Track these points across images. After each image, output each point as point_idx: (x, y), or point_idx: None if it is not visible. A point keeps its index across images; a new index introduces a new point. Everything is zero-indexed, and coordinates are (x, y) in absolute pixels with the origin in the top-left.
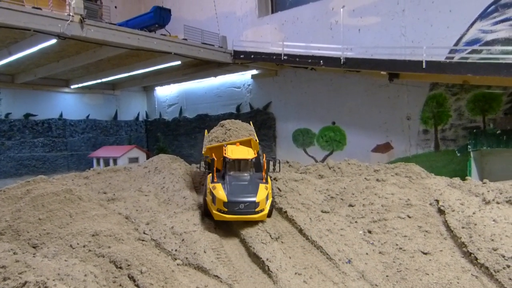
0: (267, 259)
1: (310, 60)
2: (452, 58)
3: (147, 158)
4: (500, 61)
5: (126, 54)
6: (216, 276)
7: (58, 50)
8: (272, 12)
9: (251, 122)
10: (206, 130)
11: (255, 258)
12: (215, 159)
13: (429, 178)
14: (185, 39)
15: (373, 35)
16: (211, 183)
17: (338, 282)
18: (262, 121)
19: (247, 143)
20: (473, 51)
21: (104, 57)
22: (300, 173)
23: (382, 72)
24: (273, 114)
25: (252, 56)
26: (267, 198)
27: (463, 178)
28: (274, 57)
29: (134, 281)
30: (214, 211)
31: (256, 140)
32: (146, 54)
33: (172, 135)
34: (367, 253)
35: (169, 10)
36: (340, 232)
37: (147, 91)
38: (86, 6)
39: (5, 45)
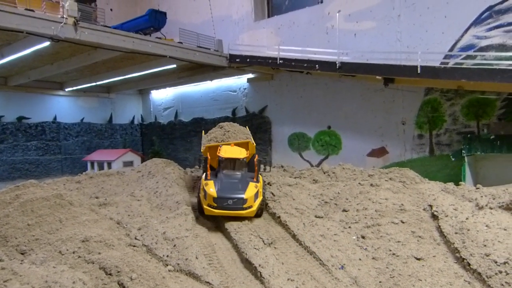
0: (259, 265)
1: (305, 64)
2: (447, 63)
3: (142, 161)
4: (494, 66)
5: (121, 57)
6: (208, 282)
7: (52, 53)
8: (268, 16)
9: (247, 127)
10: (203, 131)
11: (248, 264)
12: (209, 157)
13: (423, 183)
14: (181, 43)
15: (369, 39)
16: (205, 180)
17: None
18: (258, 125)
19: (245, 145)
20: (467, 57)
21: (99, 60)
22: (295, 177)
23: (377, 77)
24: (269, 118)
25: (248, 60)
26: (256, 196)
27: (457, 183)
28: (270, 61)
29: (124, 287)
30: (205, 206)
31: (253, 143)
32: (141, 57)
33: (168, 139)
34: (360, 259)
35: (165, 13)
36: (334, 237)
37: (142, 94)
38: (80, 8)
39: None
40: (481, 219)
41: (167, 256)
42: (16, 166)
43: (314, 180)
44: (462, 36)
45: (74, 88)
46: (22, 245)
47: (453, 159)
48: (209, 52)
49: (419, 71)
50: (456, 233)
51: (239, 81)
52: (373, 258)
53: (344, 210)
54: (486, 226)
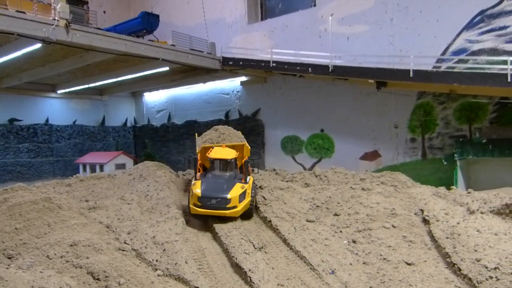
0: (249, 270)
1: (298, 68)
2: (439, 67)
3: (135, 164)
4: (486, 71)
5: (114, 59)
6: (197, 287)
7: (43, 55)
8: (262, 19)
9: (240, 132)
10: (196, 134)
11: (238, 268)
12: (199, 158)
13: (414, 187)
14: (173, 45)
15: (361, 43)
16: (194, 180)
17: None
18: (251, 128)
19: (240, 148)
20: (459, 61)
21: (91, 62)
22: (286, 181)
23: (370, 81)
24: (262, 121)
25: (241, 63)
26: (242, 197)
27: (448, 187)
28: (263, 64)
29: None
30: (191, 205)
31: (248, 146)
32: (134, 59)
33: (161, 141)
34: (351, 264)
35: (157, 16)
36: (325, 242)
37: (135, 96)
38: (72, 10)
39: None
40: (472, 224)
41: (157, 260)
42: (8, 168)
43: (306, 183)
44: (454, 40)
45: (67, 90)
46: (9, 249)
47: (445, 163)
48: (202, 55)
49: (411, 75)
50: (447, 237)
51: (232, 84)
52: (364, 263)
53: (335, 214)
54: (477, 231)
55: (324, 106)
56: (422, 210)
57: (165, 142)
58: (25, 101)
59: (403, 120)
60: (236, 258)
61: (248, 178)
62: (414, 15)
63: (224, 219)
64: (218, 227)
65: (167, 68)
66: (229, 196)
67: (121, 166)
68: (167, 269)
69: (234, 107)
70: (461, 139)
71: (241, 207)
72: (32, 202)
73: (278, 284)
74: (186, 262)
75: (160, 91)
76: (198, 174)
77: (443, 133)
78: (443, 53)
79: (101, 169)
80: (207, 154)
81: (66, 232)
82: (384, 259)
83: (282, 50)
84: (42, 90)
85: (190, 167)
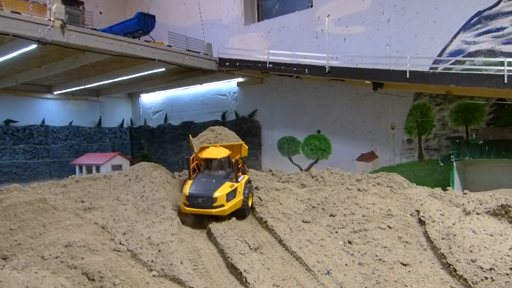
0: (244, 270)
1: (295, 69)
2: (436, 68)
3: (131, 165)
4: (483, 72)
5: (110, 60)
6: None
7: (39, 56)
8: (259, 20)
9: (234, 133)
10: (190, 135)
11: (233, 269)
12: (194, 158)
13: (410, 188)
14: (170, 46)
15: (358, 44)
16: (188, 180)
17: None
18: (248, 129)
19: (238, 147)
20: (456, 62)
21: (87, 63)
22: (282, 182)
23: (366, 82)
24: (259, 122)
25: (238, 64)
26: (231, 196)
27: (444, 188)
28: (260, 65)
29: None
30: (181, 204)
31: (246, 146)
32: (130, 60)
33: (157, 142)
34: (346, 264)
35: (154, 17)
36: (320, 242)
37: (132, 97)
38: (67, 11)
39: None
40: (468, 225)
41: (152, 261)
42: (3, 169)
43: (302, 184)
44: (451, 41)
45: (63, 91)
46: (4, 250)
47: (441, 164)
48: (199, 56)
49: (408, 76)
50: (442, 238)
51: (229, 85)
52: (359, 264)
53: (331, 215)
54: (473, 231)
55: (320, 107)
56: (418, 211)
57: (162, 143)
58: (21, 102)
59: (399, 121)
60: (232, 259)
61: (241, 177)
62: (411, 16)
63: (218, 219)
64: (213, 227)
65: (163, 69)
66: (214, 195)
67: (117, 167)
68: (162, 269)
69: (231, 108)
70: (457, 140)
71: (229, 206)
72: (27, 203)
73: (273, 285)
74: (181, 263)
75: (157, 92)
76: (193, 174)
77: (439, 134)
78: (440, 54)
79: (98, 170)
80: (199, 155)
81: (61, 232)
82: (380, 259)
83: (278, 51)
84: (38, 91)
85: (184, 168)
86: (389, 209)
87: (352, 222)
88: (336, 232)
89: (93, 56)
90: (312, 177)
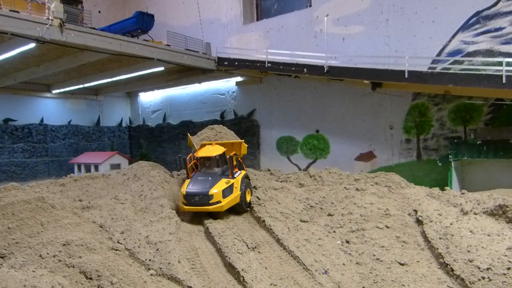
0: (242, 270)
1: (293, 68)
2: (435, 68)
3: (130, 164)
4: (481, 72)
5: (108, 59)
6: (190, 287)
7: (38, 54)
8: (257, 20)
9: (232, 132)
10: (188, 134)
11: (231, 268)
12: (187, 158)
13: (408, 188)
14: (168, 45)
15: (357, 44)
16: (187, 179)
17: None
18: (246, 128)
19: (237, 145)
20: (455, 62)
21: (86, 62)
22: (281, 181)
23: (365, 81)
24: (257, 122)
25: (236, 63)
26: (227, 192)
27: (442, 188)
28: (258, 64)
29: None
30: (180, 203)
31: (245, 144)
32: (129, 59)
33: (156, 142)
34: (344, 264)
35: (152, 16)
36: (318, 242)
37: (130, 96)
38: (66, 10)
39: None
40: (466, 225)
41: (150, 260)
42: (2, 168)
43: (300, 184)
44: (449, 41)
45: (62, 90)
46: (2, 248)
47: (440, 164)
48: (197, 55)
49: (406, 76)
50: (440, 238)
51: (228, 84)
52: (357, 263)
53: (329, 215)
54: (470, 231)
55: (319, 106)
56: (415, 211)
57: (161, 142)
58: (20, 101)
59: (398, 121)
60: (229, 258)
61: (238, 172)
62: (410, 16)
63: (215, 216)
64: (211, 226)
65: (162, 68)
66: (211, 192)
67: (116, 166)
68: (160, 268)
69: (230, 108)
70: (455, 140)
71: (226, 201)
72: (25, 202)
73: (271, 284)
74: (179, 262)
75: (156, 91)
76: (192, 173)
77: (438, 134)
78: (439, 54)
79: (96, 169)
80: (195, 154)
81: (59, 231)
82: (377, 259)
83: (277, 50)
84: (37, 90)
85: (182, 168)
86: (387, 209)
87: (350, 222)
88: (334, 231)
89: (92, 55)
90: (310, 177)
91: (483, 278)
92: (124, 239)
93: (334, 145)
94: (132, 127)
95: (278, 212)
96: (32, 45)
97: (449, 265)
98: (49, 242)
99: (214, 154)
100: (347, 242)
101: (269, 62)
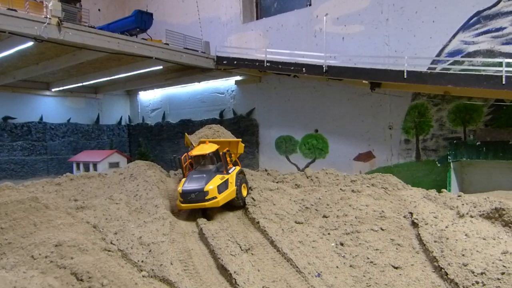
0: (234, 272)
1: (292, 68)
2: (434, 68)
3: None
4: (481, 72)
5: (107, 57)
6: None
7: (36, 53)
8: (257, 18)
9: (229, 132)
10: (186, 133)
11: (223, 270)
12: (181, 158)
13: (405, 190)
14: (167, 44)
15: (356, 43)
16: (183, 178)
17: None
18: (245, 128)
19: (235, 144)
20: (455, 62)
21: (84, 60)
22: (277, 182)
23: (364, 81)
24: (256, 121)
25: (235, 62)
26: (223, 187)
27: (439, 190)
28: (257, 63)
29: None
30: (177, 202)
31: (242, 144)
32: (128, 58)
33: (155, 140)
34: (337, 267)
35: (151, 14)
36: (312, 244)
37: (130, 95)
38: (64, 8)
39: None
40: (461, 228)
41: (142, 261)
42: (1, 166)
43: (296, 185)
44: (450, 41)
45: (61, 88)
46: None
47: (439, 165)
48: (196, 54)
49: (405, 76)
50: (435, 241)
51: (227, 83)
52: (350, 266)
53: (324, 216)
54: (466, 235)
55: (318, 106)
56: (411, 213)
57: (160, 141)
58: (19, 99)
59: (397, 121)
60: (222, 260)
61: (233, 168)
62: (410, 15)
63: (210, 217)
64: (205, 228)
65: (161, 67)
66: (206, 188)
67: (114, 165)
68: (152, 270)
69: (229, 107)
70: (455, 141)
71: (221, 197)
72: (19, 202)
73: (263, 287)
74: (171, 263)
75: (155, 90)
76: (185, 171)
77: (437, 135)
78: (439, 54)
79: (95, 167)
80: (189, 153)
81: (52, 232)
82: (371, 262)
83: (277, 49)
84: (36, 88)
85: (178, 167)
86: (382, 211)
87: (345, 224)
88: (329, 233)
89: (90, 54)
90: (307, 177)
91: (477, 282)
92: (117, 240)
93: (333, 145)
94: (132, 126)
95: (273, 213)
96: (30, 43)
97: (443, 269)
98: (42, 242)
99: (207, 152)
100: (341, 244)
101: (268, 61)
